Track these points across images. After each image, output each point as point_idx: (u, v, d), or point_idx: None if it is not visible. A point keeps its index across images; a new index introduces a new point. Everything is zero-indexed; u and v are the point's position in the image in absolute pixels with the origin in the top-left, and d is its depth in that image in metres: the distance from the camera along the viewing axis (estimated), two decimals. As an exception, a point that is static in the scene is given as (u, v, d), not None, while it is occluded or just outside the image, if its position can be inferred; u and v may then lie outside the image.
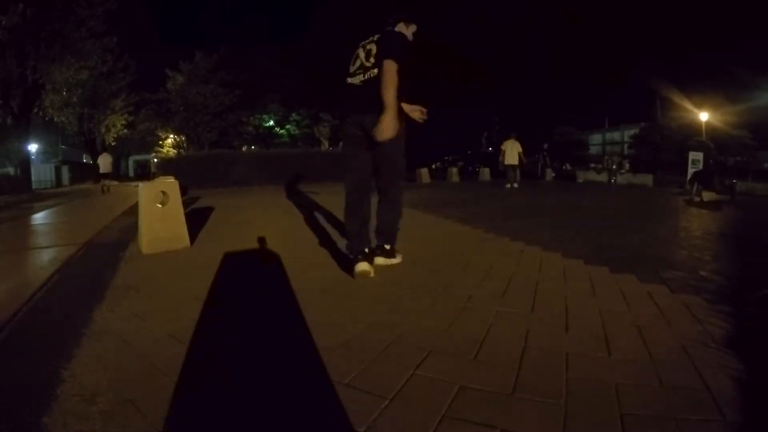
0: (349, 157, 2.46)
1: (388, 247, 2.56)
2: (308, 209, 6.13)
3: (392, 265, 2.57)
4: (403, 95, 2.31)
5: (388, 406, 1.16)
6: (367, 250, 2.42)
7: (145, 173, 20.48)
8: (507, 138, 11.46)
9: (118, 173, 24.43)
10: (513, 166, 11.09)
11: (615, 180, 14.68)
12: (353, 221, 2.42)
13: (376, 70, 2.32)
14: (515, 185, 10.75)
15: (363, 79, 2.40)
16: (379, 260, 2.52)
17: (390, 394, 1.21)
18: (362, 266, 2.32)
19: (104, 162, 13.86)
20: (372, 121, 2.22)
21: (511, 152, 11.12)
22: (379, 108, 2.19)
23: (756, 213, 6.41)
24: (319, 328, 1.71)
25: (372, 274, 2.34)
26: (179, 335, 1.66)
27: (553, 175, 17.36)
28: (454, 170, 16.36)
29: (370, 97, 2.26)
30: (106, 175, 13.65)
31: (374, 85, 2.28)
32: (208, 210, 6.07)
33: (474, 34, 27.69)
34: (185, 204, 4.16)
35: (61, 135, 28.85)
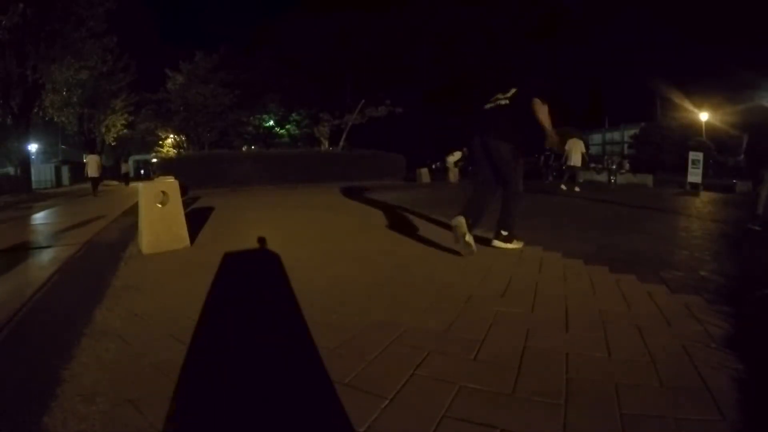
0: (476, 165, 3.31)
1: (505, 233, 3.14)
2: (308, 209, 6.14)
3: (504, 251, 3.08)
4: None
5: (388, 406, 1.16)
6: (464, 221, 2.91)
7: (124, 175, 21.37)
8: (570, 137, 10.66)
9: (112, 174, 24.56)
10: (575, 168, 10.40)
11: (615, 180, 14.64)
12: (467, 201, 3.16)
13: (506, 101, 3.08)
14: (576, 188, 9.75)
15: (491, 105, 3.14)
16: (497, 243, 3.15)
17: (390, 394, 1.21)
18: (456, 220, 2.91)
19: (92, 163, 12.70)
20: (490, 141, 3.06)
21: (576, 153, 10.37)
22: (495, 131, 3.05)
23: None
24: (319, 328, 1.71)
25: (460, 232, 2.87)
26: (179, 335, 1.66)
27: (554, 174, 17.25)
28: (455, 170, 16.25)
29: (490, 121, 3.11)
30: (96, 179, 12.52)
31: (498, 111, 3.08)
32: (208, 210, 6.07)
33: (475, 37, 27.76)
34: (185, 204, 4.16)
35: (61, 135, 28.83)
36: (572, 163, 10.32)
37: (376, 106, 20.37)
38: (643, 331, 1.62)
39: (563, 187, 9.79)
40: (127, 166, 23.12)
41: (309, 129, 26.44)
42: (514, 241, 3.17)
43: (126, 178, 20.78)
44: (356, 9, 26.38)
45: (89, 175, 12.55)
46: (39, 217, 6.61)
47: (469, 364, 1.39)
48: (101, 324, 1.83)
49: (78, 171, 27.50)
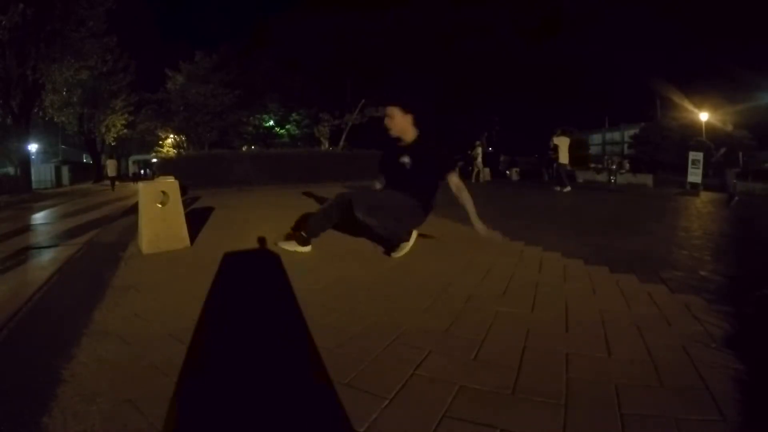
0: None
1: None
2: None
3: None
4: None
5: (388, 406, 1.16)
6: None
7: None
8: (562, 133, 10.07)
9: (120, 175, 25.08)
10: (564, 166, 9.86)
11: (615, 180, 14.64)
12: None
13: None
14: (567, 188, 9.37)
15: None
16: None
17: (390, 394, 1.21)
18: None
19: (111, 166, 17.99)
20: None
21: (565, 150, 9.84)
22: None
23: (755, 213, 6.41)
24: (319, 328, 1.71)
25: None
26: (179, 335, 1.66)
27: (554, 175, 17.18)
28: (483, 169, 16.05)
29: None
30: (114, 177, 17.29)
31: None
32: (208, 210, 6.06)
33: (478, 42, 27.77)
34: (185, 204, 4.16)
35: (61, 135, 28.85)
36: (561, 161, 9.90)
37: (376, 106, 20.38)
38: (643, 331, 1.62)
39: (557, 188, 9.45)
40: (112, 165, 23.70)
41: (309, 129, 26.45)
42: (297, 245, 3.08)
43: (135, 178, 22.51)
44: (356, 9, 26.39)
45: (109, 175, 17.71)
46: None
47: (469, 364, 1.39)
48: (101, 324, 1.83)
49: (78, 171, 27.66)
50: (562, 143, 9.95)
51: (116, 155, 31.35)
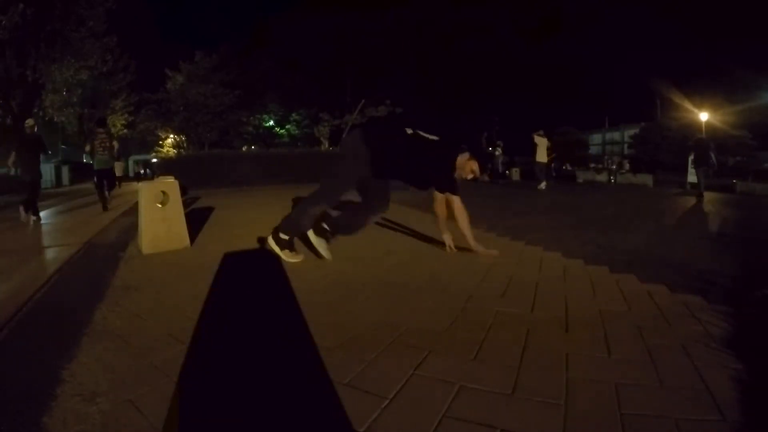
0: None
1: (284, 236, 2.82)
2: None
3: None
4: None
5: (388, 406, 1.16)
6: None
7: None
8: (542, 135, 10.30)
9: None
10: (542, 164, 10.16)
11: (615, 180, 14.67)
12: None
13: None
14: (541, 186, 9.69)
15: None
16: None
17: (390, 394, 1.21)
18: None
19: (118, 167, 20.66)
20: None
21: (541, 149, 10.10)
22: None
23: (755, 213, 6.41)
24: (319, 328, 1.71)
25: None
26: (179, 335, 1.66)
27: (553, 174, 17.18)
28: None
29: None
30: (120, 177, 18.69)
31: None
32: (208, 210, 6.06)
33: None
34: (185, 204, 4.16)
35: (61, 135, 28.83)
36: (538, 159, 10.22)
37: (376, 106, 20.38)
38: (643, 331, 1.62)
39: (539, 187, 9.71)
40: (118, 166, 24.87)
41: (309, 129, 26.46)
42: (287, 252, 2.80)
43: (138, 177, 22.97)
44: (356, 9, 26.41)
45: (116, 175, 20.24)
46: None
47: (469, 364, 1.39)
48: (101, 324, 1.83)
49: (78, 171, 27.70)
50: (541, 143, 10.31)
51: (122, 157, 31.72)
